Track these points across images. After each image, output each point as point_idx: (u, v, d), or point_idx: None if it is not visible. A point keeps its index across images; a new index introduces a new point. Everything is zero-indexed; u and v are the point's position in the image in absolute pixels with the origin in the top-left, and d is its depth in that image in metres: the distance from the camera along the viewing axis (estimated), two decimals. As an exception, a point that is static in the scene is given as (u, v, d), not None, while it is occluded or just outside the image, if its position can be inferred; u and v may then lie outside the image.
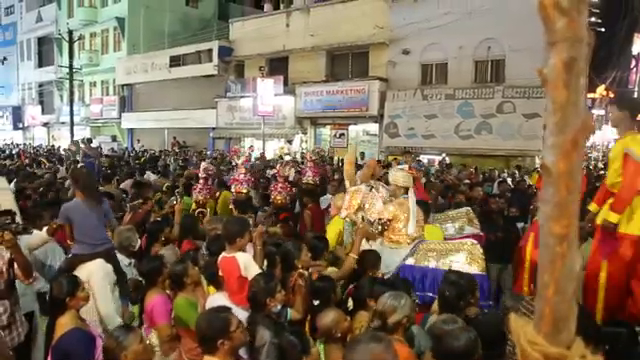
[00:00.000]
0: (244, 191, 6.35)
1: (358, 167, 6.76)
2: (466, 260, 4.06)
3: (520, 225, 6.05)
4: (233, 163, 8.90)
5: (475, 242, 4.32)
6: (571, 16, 0.66)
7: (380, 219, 4.43)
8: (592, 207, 4.17)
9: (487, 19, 15.30)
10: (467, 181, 10.25)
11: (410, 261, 4.18)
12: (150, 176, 10.73)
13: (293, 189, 7.04)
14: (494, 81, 16.43)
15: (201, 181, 6.45)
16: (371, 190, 4.76)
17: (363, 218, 4.57)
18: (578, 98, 0.68)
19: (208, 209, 6.28)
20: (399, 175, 4.66)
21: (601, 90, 28.06)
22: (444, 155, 16.01)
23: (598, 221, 3.94)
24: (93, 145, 16.47)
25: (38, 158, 16.72)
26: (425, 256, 4.20)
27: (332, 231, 4.96)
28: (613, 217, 3.76)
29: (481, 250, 4.16)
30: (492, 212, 6.28)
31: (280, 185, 6.42)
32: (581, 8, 0.67)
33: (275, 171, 8.24)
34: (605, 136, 26.85)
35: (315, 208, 6.31)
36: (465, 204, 6.58)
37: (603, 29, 16.47)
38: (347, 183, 5.12)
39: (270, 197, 6.64)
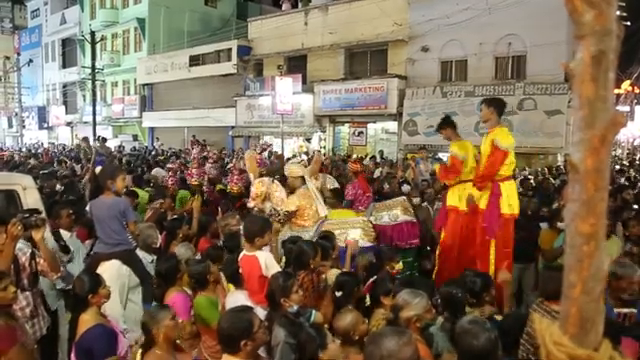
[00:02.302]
0: (195, 182, 7.41)
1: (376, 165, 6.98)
2: (360, 235, 4.82)
3: (544, 225, 5.89)
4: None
5: (367, 219, 5.14)
6: (600, 8, 0.64)
7: (287, 211, 5.10)
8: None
9: (507, 14, 15.05)
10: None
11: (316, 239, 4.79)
12: (160, 172, 10.91)
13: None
14: (515, 77, 16.15)
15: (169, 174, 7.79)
16: (273, 181, 5.54)
17: (271, 210, 5.26)
18: (607, 93, 0.66)
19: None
20: (293, 167, 5.47)
21: (626, 85, 27.41)
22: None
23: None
24: (107, 144, 16.72)
25: (59, 157, 17.08)
26: None
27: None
28: (477, 193, 4.71)
29: (371, 225, 5.01)
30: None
31: (236, 177, 7.19)
32: (610, 0, 0.65)
33: (231, 165, 9.25)
34: (630, 133, 26.22)
35: None
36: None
37: (628, 22, 16.04)
38: (251, 176, 5.85)
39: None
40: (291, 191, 5.38)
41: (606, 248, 0.72)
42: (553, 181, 10.03)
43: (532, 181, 9.97)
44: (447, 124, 5.18)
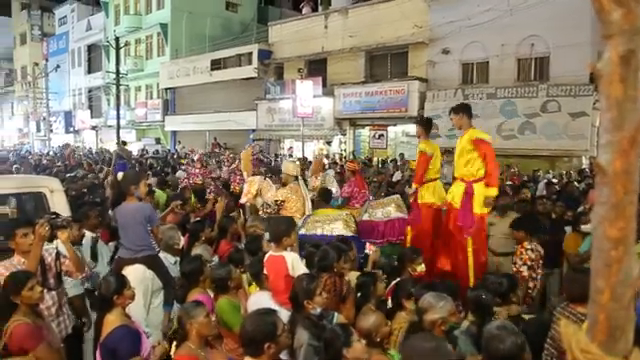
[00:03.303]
0: (199, 182, 7.94)
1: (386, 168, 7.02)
2: (342, 226, 5.15)
3: (568, 229, 5.77)
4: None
5: (349, 213, 5.47)
6: (628, 6, 0.62)
7: (276, 200, 5.52)
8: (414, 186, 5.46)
9: (529, 15, 14.81)
10: (510, 182, 9.95)
11: (302, 231, 5.11)
12: (182, 175, 11.05)
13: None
14: (538, 79, 15.89)
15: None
16: (265, 179, 6.06)
17: (263, 204, 5.69)
18: (636, 93, 0.65)
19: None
20: (290, 166, 5.87)
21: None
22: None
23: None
24: (127, 148, 16.92)
25: (82, 160, 17.44)
26: (313, 226, 5.26)
27: None
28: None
29: (354, 219, 5.34)
30: (538, 214, 6.06)
31: (239, 177, 7.44)
32: (639, -2, 0.63)
33: (234, 165, 9.63)
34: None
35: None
36: (510, 206, 6.38)
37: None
38: (245, 174, 6.38)
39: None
40: (283, 186, 5.85)
41: (635, 253, 0.70)
42: (577, 184, 9.81)
43: (556, 185, 9.77)
44: (421, 123, 5.67)
